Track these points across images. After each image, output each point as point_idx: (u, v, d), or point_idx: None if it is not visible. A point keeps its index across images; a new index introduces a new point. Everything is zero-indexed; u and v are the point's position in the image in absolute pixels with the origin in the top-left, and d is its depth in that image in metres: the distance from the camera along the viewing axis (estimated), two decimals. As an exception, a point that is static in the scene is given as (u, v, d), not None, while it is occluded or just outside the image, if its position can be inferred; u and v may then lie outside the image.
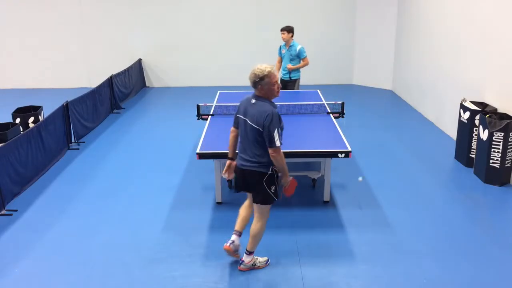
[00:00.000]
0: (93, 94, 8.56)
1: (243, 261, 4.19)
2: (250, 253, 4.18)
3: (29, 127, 7.36)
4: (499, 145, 5.67)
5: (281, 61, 7.97)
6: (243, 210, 4.31)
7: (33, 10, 11.52)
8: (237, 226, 4.26)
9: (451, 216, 5.10)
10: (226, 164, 4.22)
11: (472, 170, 6.25)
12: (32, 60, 11.88)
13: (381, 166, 6.52)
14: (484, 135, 5.80)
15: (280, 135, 3.83)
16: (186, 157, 6.97)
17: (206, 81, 12.11)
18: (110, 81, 9.54)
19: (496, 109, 6.15)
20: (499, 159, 5.70)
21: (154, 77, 12.17)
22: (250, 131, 3.87)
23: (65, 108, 7.34)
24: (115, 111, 9.65)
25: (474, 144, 6.27)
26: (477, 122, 6.15)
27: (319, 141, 5.24)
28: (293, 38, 7.74)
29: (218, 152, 4.97)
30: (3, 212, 5.28)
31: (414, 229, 4.84)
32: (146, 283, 4.03)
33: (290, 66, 7.62)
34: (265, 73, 3.79)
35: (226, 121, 6.03)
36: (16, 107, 7.83)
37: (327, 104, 6.68)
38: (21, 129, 7.23)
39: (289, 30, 7.66)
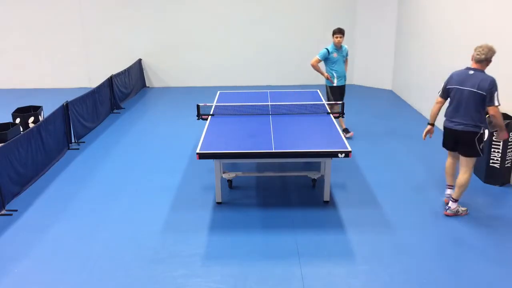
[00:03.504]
0: (93, 94, 8.56)
1: (449, 207, 5.09)
2: (455, 200, 5.07)
3: (29, 127, 7.36)
4: (499, 145, 5.67)
5: (318, 61, 7.39)
6: (448, 169, 5.27)
7: (33, 10, 11.52)
8: (448, 181, 5.29)
9: (451, 216, 5.10)
10: (427, 129, 5.24)
11: (472, 170, 6.25)
12: (32, 60, 11.88)
13: (381, 166, 6.52)
14: (484, 135, 5.79)
15: (498, 98, 4.70)
16: (186, 157, 6.97)
17: (206, 81, 12.12)
18: (110, 81, 9.54)
19: (496, 109, 6.15)
20: (499, 159, 5.71)
21: (154, 77, 12.17)
22: (471, 97, 4.74)
23: (65, 108, 7.34)
24: (115, 111, 9.65)
25: (474, 144, 6.27)
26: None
27: (319, 141, 5.24)
28: None
29: (218, 152, 4.97)
30: (3, 212, 5.28)
31: (414, 229, 4.84)
32: (146, 283, 4.03)
33: (327, 75, 7.47)
34: (495, 51, 4.78)
35: (226, 121, 6.03)
36: (16, 107, 7.84)
37: (327, 104, 6.68)
38: (21, 129, 7.23)
39: (344, 33, 7.38)
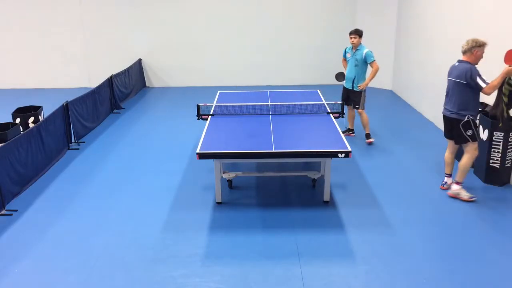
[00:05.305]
0: (93, 94, 8.56)
1: (452, 187, 5.46)
2: (457, 183, 5.39)
3: (29, 127, 7.36)
4: (499, 145, 5.67)
5: (343, 59, 7.44)
6: (447, 158, 5.60)
7: (33, 10, 11.52)
8: (446, 170, 5.64)
9: (451, 216, 5.10)
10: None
11: (472, 170, 6.25)
12: (32, 60, 11.88)
13: (381, 166, 6.52)
14: (484, 135, 5.80)
15: (483, 80, 4.94)
16: (186, 157, 6.97)
17: (206, 81, 12.12)
18: (110, 81, 9.54)
19: (496, 109, 6.16)
20: (499, 159, 5.70)
21: (154, 77, 12.18)
22: (455, 86, 5.15)
23: (65, 108, 7.34)
24: (115, 111, 9.65)
25: (474, 144, 6.27)
26: (477, 122, 6.14)
27: (319, 141, 5.24)
28: (361, 41, 7.08)
29: (218, 152, 4.97)
30: (3, 212, 5.28)
31: (414, 229, 4.84)
32: (146, 283, 4.03)
33: (361, 86, 7.07)
34: (485, 43, 5.04)
35: (226, 121, 6.03)
36: (16, 107, 7.83)
37: (327, 104, 6.68)
38: (21, 129, 7.23)
39: (360, 34, 6.95)
